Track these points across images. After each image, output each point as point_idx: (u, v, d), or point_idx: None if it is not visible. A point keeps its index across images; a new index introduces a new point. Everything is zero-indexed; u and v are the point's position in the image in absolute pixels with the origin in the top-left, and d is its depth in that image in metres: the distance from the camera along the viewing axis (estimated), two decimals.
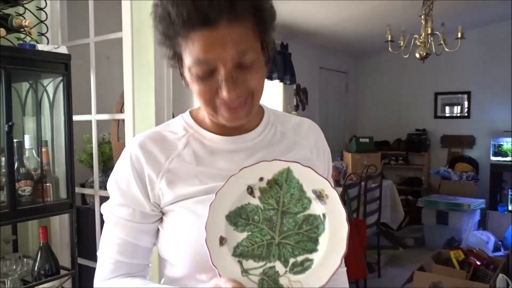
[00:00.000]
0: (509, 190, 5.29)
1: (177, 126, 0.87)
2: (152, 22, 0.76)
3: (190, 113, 0.90)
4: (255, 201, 0.74)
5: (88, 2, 2.06)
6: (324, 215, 0.73)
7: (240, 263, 0.72)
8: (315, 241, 0.72)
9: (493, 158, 5.42)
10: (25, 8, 1.86)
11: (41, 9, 2.00)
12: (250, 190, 0.74)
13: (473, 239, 4.32)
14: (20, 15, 1.83)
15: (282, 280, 0.71)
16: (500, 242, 4.55)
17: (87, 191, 2.22)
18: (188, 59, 0.73)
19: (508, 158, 5.29)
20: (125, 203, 0.82)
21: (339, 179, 3.93)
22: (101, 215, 2.26)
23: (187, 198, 0.79)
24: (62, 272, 1.79)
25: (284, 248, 0.72)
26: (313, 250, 0.72)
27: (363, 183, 3.64)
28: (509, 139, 5.32)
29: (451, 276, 2.89)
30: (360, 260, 3.26)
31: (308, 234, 0.73)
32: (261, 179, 0.74)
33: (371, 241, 3.99)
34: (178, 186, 0.80)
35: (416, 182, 5.98)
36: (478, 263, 3.02)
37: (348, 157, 4.34)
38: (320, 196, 0.73)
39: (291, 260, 0.72)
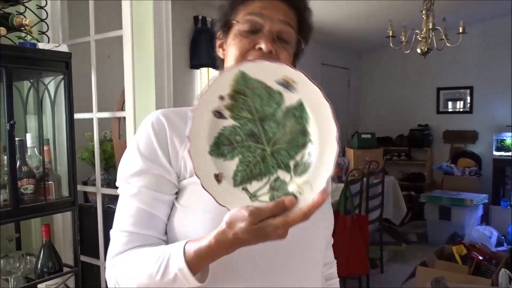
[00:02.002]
0: None
1: None
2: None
3: None
4: (229, 122, 0.68)
5: (89, 1, 2.06)
6: (300, 102, 0.67)
7: (245, 190, 0.68)
8: (305, 133, 0.67)
9: (495, 153, 5.41)
10: (26, 7, 1.86)
11: (41, 7, 2.00)
12: (218, 114, 0.68)
13: (476, 234, 4.32)
14: (21, 13, 1.83)
15: (291, 187, 0.67)
16: (503, 237, 4.55)
17: (89, 188, 2.23)
18: (242, 16, 0.84)
19: (511, 153, 5.27)
20: (147, 170, 0.80)
21: (341, 175, 3.93)
22: (104, 213, 2.27)
23: None
24: (65, 269, 1.80)
25: (279, 154, 0.68)
26: (306, 142, 0.67)
27: (365, 179, 3.64)
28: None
29: (454, 271, 2.89)
30: (362, 256, 3.26)
31: (295, 129, 0.68)
32: (221, 97, 0.67)
33: (374, 237, 3.99)
34: None
35: (419, 178, 5.97)
36: (481, 258, 3.02)
37: (350, 153, 4.35)
38: (287, 84, 0.67)
39: (291, 162, 0.68)
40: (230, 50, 0.85)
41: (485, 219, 5.07)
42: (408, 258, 4.28)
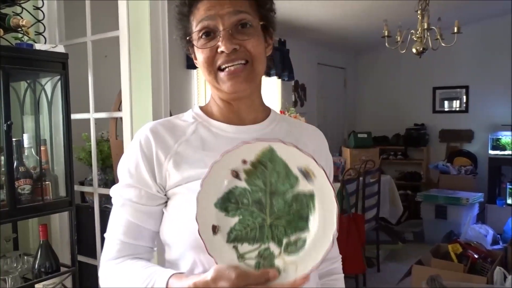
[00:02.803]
0: (508, 183, 5.31)
1: (187, 115, 0.94)
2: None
3: (200, 107, 0.96)
4: (242, 184, 0.73)
5: (85, 1, 2.07)
6: (312, 193, 0.72)
7: (236, 248, 0.72)
8: (306, 219, 0.72)
9: (491, 152, 5.43)
10: (22, 8, 1.87)
11: (38, 8, 2.01)
12: (236, 174, 0.73)
13: (472, 233, 4.34)
14: (18, 14, 1.84)
15: (278, 262, 0.71)
16: (499, 236, 4.57)
17: (86, 189, 2.24)
18: (194, 27, 0.84)
19: (507, 152, 5.30)
20: (133, 184, 0.86)
21: (338, 174, 3.95)
22: (101, 212, 2.28)
23: (191, 181, 0.82)
24: (63, 269, 1.81)
25: (276, 228, 0.72)
26: (305, 228, 0.72)
27: (361, 178, 3.66)
28: (507, 133, 5.33)
29: (449, 269, 2.91)
30: (358, 254, 3.28)
31: (299, 213, 0.72)
32: (244, 161, 0.73)
33: (371, 236, 4.01)
34: (185, 168, 0.84)
35: (415, 177, 6.00)
36: (476, 256, 3.04)
37: (347, 152, 4.37)
38: (306, 174, 0.72)
39: (285, 240, 0.72)
40: (199, 63, 0.86)
41: (481, 218, 5.09)
42: (405, 257, 4.30)
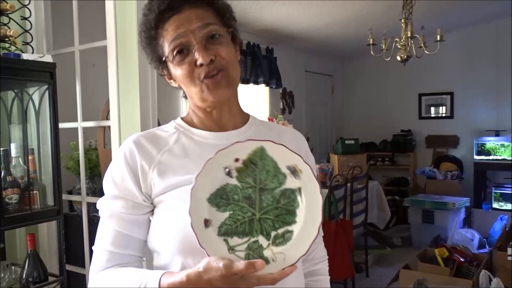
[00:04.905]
0: (493, 188, 5.39)
1: (169, 126, 0.97)
2: (137, 34, 0.94)
3: (181, 118, 0.99)
4: (233, 181, 0.77)
5: (73, 11, 2.08)
6: (299, 189, 0.77)
7: (226, 241, 0.75)
8: (293, 214, 0.77)
9: (476, 157, 5.51)
10: (10, 18, 1.88)
11: (25, 18, 2.01)
12: (228, 171, 0.77)
13: (458, 237, 4.40)
14: (5, 24, 1.84)
15: (266, 253, 0.75)
16: (485, 239, 4.64)
17: (74, 197, 2.24)
18: (167, 48, 0.87)
19: (492, 157, 5.39)
20: (119, 195, 0.88)
21: (325, 180, 3.98)
22: (89, 221, 2.27)
23: (176, 188, 0.85)
24: (51, 279, 1.80)
25: (265, 222, 0.76)
26: (292, 222, 0.76)
27: (349, 184, 3.69)
28: (491, 138, 5.43)
29: (436, 273, 2.95)
30: (347, 259, 3.30)
31: (286, 207, 0.77)
32: (236, 159, 0.77)
33: (359, 241, 4.04)
34: (168, 176, 0.87)
35: (403, 182, 6.06)
36: (462, 260, 3.08)
37: (335, 158, 4.40)
38: (294, 171, 0.77)
39: (273, 233, 0.76)
40: (179, 79, 0.89)
41: (467, 222, 5.16)
42: (393, 262, 4.33)
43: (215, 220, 0.76)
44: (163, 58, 0.89)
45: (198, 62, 0.84)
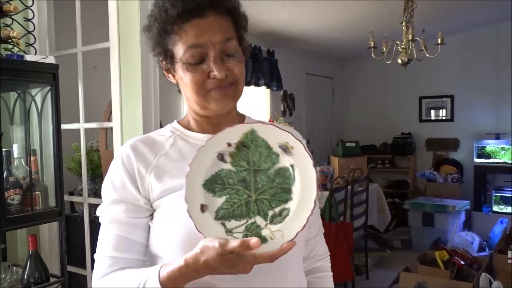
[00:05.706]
0: (493, 191, 5.40)
1: (165, 130, 0.97)
2: (143, 31, 0.90)
3: (178, 121, 0.99)
4: (227, 166, 0.78)
5: (76, 13, 2.09)
6: (292, 165, 0.77)
7: (223, 224, 0.76)
8: (289, 191, 0.77)
9: (476, 160, 5.52)
10: (13, 19, 1.88)
11: (29, 20, 2.02)
12: (221, 157, 0.78)
13: (458, 240, 4.39)
14: (8, 26, 1.85)
15: (264, 232, 0.75)
16: (485, 242, 4.63)
17: (76, 199, 2.24)
18: (181, 49, 0.85)
19: (492, 160, 5.40)
20: (120, 199, 0.88)
21: (326, 183, 3.98)
22: (90, 222, 2.28)
23: (173, 191, 0.86)
24: (52, 280, 1.80)
25: (261, 203, 0.77)
26: (288, 199, 0.77)
27: (349, 186, 3.70)
28: (491, 141, 5.43)
29: (436, 276, 2.95)
30: (347, 262, 3.31)
31: (281, 185, 0.77)
32: (228, 144, 0.77)
33: (359, 244, 4.04)
34: (165, 180, 0.87)
35: (403, 185, 6.07)
36: (462, 262, 3.09)
37: (335, 161, 4.40)
38: (286, 149, 0.77)
39: (270, 213, 0.76)
40: (186, 82, 0.87)
41: (468, 225, 5.16)
42: (393, 264, 4.33)
43: (211, 205, 0.76)
44: (172, 55, 0.88)
45: (213, 75, 0.84)
